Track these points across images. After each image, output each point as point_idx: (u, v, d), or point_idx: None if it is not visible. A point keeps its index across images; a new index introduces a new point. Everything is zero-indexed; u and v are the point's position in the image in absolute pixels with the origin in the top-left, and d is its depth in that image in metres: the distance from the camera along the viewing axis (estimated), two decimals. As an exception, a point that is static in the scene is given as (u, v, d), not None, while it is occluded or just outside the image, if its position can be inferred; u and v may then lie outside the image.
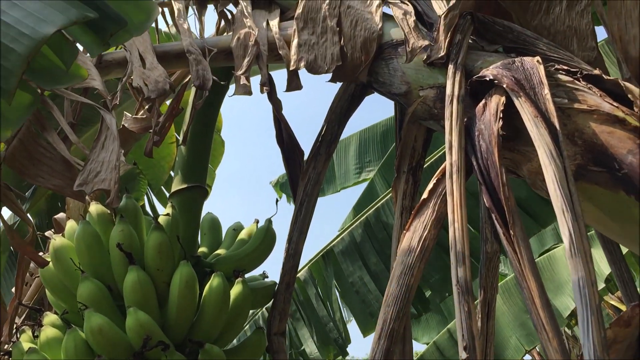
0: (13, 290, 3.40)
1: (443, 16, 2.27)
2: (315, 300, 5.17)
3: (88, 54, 2.53)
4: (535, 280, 1.70)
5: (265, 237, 3.07)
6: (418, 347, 7.46)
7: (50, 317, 2.87)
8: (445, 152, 2.03)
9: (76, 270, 2.72)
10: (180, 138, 3.16)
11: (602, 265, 5.82)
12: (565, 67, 2.03)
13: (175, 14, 3.00)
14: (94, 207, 2.86)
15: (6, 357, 3.08)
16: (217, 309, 2.74)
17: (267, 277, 3.13)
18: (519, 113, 1.90)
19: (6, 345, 3.16)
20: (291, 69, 2.55)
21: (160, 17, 2.94)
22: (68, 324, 2.71)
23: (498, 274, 2.34)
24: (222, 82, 3.01)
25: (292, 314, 5.14)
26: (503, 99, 1.97)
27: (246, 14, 2.78)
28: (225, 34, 3.15)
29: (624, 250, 2.47)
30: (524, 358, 6.00)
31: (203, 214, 3.25)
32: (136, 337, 2.59)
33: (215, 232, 3.27)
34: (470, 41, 2.26)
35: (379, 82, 2.47)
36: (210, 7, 3.18)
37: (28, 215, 4.40)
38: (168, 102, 3.53)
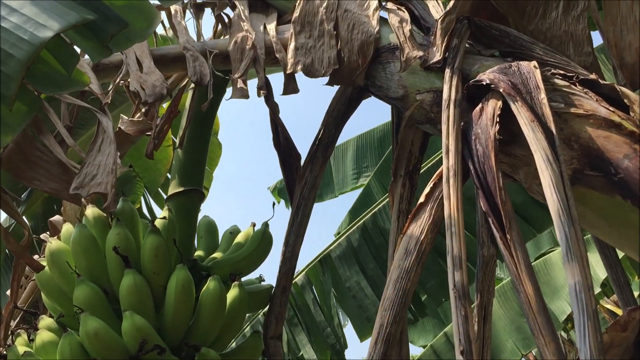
0: (8, 293, 3.38)
1: (440, 20, 2.28)
2: (312, 305, 5.16)
3: (87, 57, 2.53)
4: (531, 285, 1.70)
5: (261, 241, 3.07)
6: (415, 350, 7.47)
7: (46, 321, 2.86)
8: (442, 156, 2.03)
9: (72, 274, 2.72)
10: (177, 141, 3.16)
11: (598, 269, 5.82)
12: (562, 72, 2.03)
13: (172, 15, 3.01)
14: (91, 211, 2.85)
15: (1, 360, 3.06)
16: (214, 312, 2.74)
17: (263, 280, 3.13)
18: (515, 117, 1.91)
19: (1, 349, 3.15)
20: (288, 72, 2.56)
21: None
22: (64, 328, 2.70)
23: (494, 277, 2.34)
24: (218, 85, 3.02)
25: (289, 319, 5.14)
26: (500, 103, 1.97)
27: (243, 17, 2.78)
28: (222, 37, 3.15)
29: (620, 254, 2.47)
30: (520, 362, 6.01)
31: (200, 216, 3.25)
32: (132, 341, 2.59)
33: (212, 235, 3.27)
34: (467, 45, 2.27)
35: (375, 86, 2.47)
36: (208, 11, 3.18)
37: (24, 217, 4.39)
38: (165, 105, 3.53)
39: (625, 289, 2.32)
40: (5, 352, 3.01)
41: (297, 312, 5.18)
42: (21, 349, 2.80)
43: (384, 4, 2.56)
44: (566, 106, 1.94)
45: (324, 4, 2.57)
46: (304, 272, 5.27)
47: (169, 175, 4.08)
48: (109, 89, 2.89)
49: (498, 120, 1.94)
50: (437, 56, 2.25)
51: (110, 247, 2.70)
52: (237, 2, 2.85)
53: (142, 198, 5.24)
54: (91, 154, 2.51)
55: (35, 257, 3.16)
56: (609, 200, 1.80)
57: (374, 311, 4.76)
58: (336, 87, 2.79)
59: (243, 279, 3.00)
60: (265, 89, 2.71)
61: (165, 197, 3.58)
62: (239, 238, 3.16)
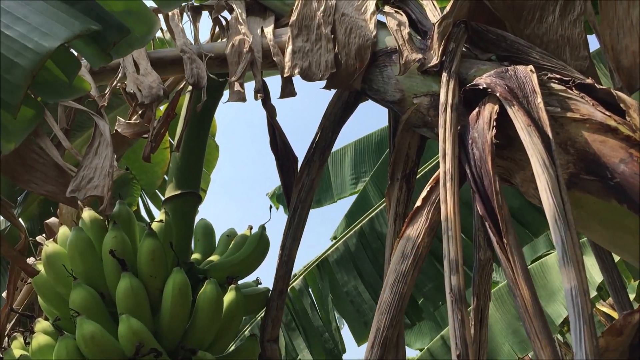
0: (4, 295, 3.38)
1: (437, 24, 2.28)
2: (310, 310, 5.16)
3: (84, 60, 2.53)
4: (528, 288, 1.70)
5: (258, 244, 3.07)
6: (411, 354, 7.46)
7: (42, 324, 2.85)
8: (439, 160, 2.03)
9: (68, 277, 2.71)
10: (175, 143, 3.16)
11: (594, 273, 5.83)
12: (558, 76, 2.04)
13: (169, 17, 3.01)
14: (87, 213, 2.85)
15: (-3, 363, 3.06)
16: (210, 315, 2.73)
17: (260, 283, 3.13)
18: (512, 121, 1.91)
19: (-3, 352, 3.14)
20: (285, 75, 2.56)
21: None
22: (60, 331, 2.69)
23: (491, 281, 2.34)
24: (216, 88, 3.02)
25: (287, 324, 5.15)
26: (496, 107, 1.98)
27: (241, 20, 2.78)
28: (219, 40, 3.16)
29: (616, 258, 2.48)
30: (516, 365, 6.01)
31: (197, 219, 3.25)
32: (128, 344, 2.58)
33: (209, 238, 3.27)
34: (463, 49, 2.27)
35: (372, 90, 2.47)
36: (205, 14, 3.18)
37: (20, 220, 4.38)
38: (162, 107, 3.53)
39: (621, 293, 2.33)
40: (1, 355, 3.00)
41: (295, 317, 5.18)
42: (17, 352, 2.79)
43: (381, 7, 2.57)
44: (562, 110, 1.94)
45: (322, 8, 2.57)
46: (301, 277, 5.27)
47: (167, 177, 4.08)
48: (105, 91, 2.89)
49: (495, 124, 1.95)
50: (434, 60, 2.25)
51: (107, 250, 2.70)
52: (234, 5, 2.85)
53: (140, 200, 5.24)
54: (88, 156, 2.51)
55: (32, 259, 3.15)
56: (605, 204, 1.80)
57: (371, 316, 4.76)
58: (333, 91, 2.79)
59: (240, 281, 3.00)
60: (263, 92, 2.71)
61: (162, 198, 3.58)
62: (236, 241, 3.16)
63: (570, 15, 2.30)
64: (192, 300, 2.79)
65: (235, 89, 2.60)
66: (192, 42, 3.04)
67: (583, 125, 1.89)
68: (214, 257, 3.13)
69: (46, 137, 2.69)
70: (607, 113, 1.89)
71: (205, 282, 2.80)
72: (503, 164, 2.04)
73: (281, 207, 8.13)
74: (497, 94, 1.97)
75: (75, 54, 1.97)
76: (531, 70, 2.01)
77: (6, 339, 3.19)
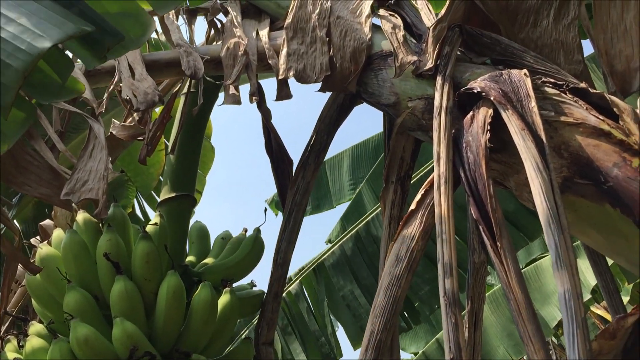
0: (-2, 297, 3.36)
1: (432, 28, 2.29)
2: (306, 314, 5.16)
3: (79, 62, 2.53)
4: (521, 292, 1.70)
5: (253, 247, 3.07)
6: (406, 357, 7.46)
7: (36, 327, 2.85)
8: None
9: (63, 280, 2.71)
10: (170, 146, 3.15)
11: (589, 276, 5.84)
12: (552, 80, 2.04)
13: (165, 17, 3.01)
14: (81, 216, 2.84)
15: (-10, 366, 3.04)
16: (205, 318, 2.73)
17: (255, 286, 3.13)
18: (506, 125, 1.91)
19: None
20: (280, 78, 2.56)
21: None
22: (54, 334, 2.69)
23: (485, 284, 2.35)
24: (211, 91, 3.02)
25: (283, 328, 5.15)
26: (490, 111, 1.98)
27: (236, 23, 2.78)
28: (215, 43, 3.16)
29: (610, 261, 2.48)
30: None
31: (192, 221, 3.25)
32: (122, 348, 2.58)
33: (204, 240, 3.27)
34: (458, 53, 2.28)
35: (367, 93, 2.48)
36: (200, 17, 3.18)
37: (14, 221, 4.36)
38: (157, 110, 3.52)
39: (614, 296, 2.33)
40: (-6, 358, 2.99)
41: (291, 321, 5.18)
42: (11, 355, 2.78)
43: (376, 11, 2.57)
44: (556, 114, 1.95)
45: (317, 11, 2.58)
46: (297, 281, 5.27)
47: (162, 179, 4.07)
48: (103, 97, 2.89)
49: (489, 128, 1.95)
50: (429, 63, 2.26)
51: (101, 253, 2.69)
52: (229, 8, 2.85)
53: (135, 202, 5.24)
54: (82, 159, 2.51)
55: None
56: (598, 208, 1.81)
57: (367, 320, 4.75)
58: (328, 94, 2.79)
59: (235, 284, 3.00)
60: (258, 95, 2.71)
61: (158, 200, 3.57)
62: (231, 244, 3.16)
63: (564, 20, 2.31)
64: (186, 303, 2.79)
65: (230, 92, 2.60)
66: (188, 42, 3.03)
67: (577, 129, 1.90)
68: (208, 260, 3.12)
69: (40, 140, 2.68)
70: (600, 117, 1.90)
71: (199, 284, 2.80)
72: (497, 167, 2.04)
73: (275, 206, 8.13)
74: (491, 98, 1.98)
75: (70, 55, 1.96)
76: (525, 74, 2.02)
77: (0, 342, 3.18)
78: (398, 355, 2.35)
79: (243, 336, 5.30)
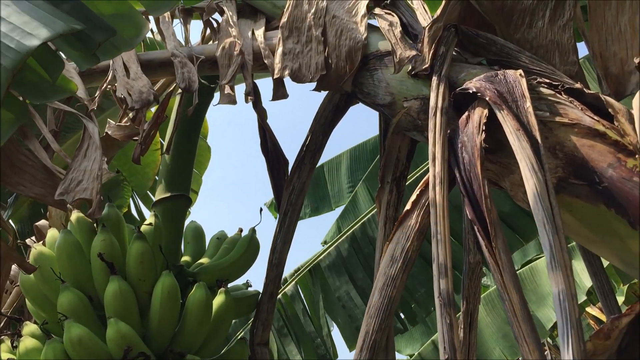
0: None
1: (427, 28, 2.28)
2: (302, 315, 5.16)
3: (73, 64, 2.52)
4: (516, 293, 1.70)
5: (248, 247, 3.06)
6: (402, 359, 7.45)
7: (29, 327, 2.84)
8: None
9: (57, 280, 2.69)
10: (165, 145, 3.15)
11: (584, 277, 5.85)
12: (547, 81, 2.05)
13: (160, 20, 3.00)
14: (76, 216, 2.83)
15: (-16, 367, 3.03)
16: (199, 319, 2.73)
17: (250, 286, 3.12)
18: (501, 126, 1.91)
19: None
20: (275, 77, 2.55)
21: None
22: (48, 334, 2.68)
23: (481, 284, 2.34)
24: (206, 91, 3.01)
25: (279, 329, 5.14)
26: (486, 111, 1.98)
27: (231, 23, 2.78)
28: (210, 42, 3.15)
29: (605, 262, 2.49)
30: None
31: (188, 221, 3.24)
32: (116, 348, 2.57)
33: (199, 240, 3.26)
34: (454, 53, 2.28)
35: (363, 93, 2.47)
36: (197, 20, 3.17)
37: (10, 221, 4.34)
38: (153, 109, 3.52)
39: (609, 297, 2.33)
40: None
41: (287, 322, 5.18)
42: (5, 355, 2.77)
43: (372, 10, 2.57)
44: (551, 115, 1.95)
45: (312, 10, 2.57)
46: (293, 282, 5.27)
47: (158, 178, 4.06)
48: (95, 95, 2.87)
49: (484, 128, 1.95)
50: (425, 63, 2.26)
51: (96, 253, 2.68)
52: (225, 8, 2.85)
53: (131, 201, 5.23)
54: (77, 159, 2.50)
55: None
56: (593, 208, 1.81)
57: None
58: (324, 93, 2.79)
59: (230, 284, 2.99)
60: (253, 95, 2.71)
61: (154, 199, 3.56)
62: (226, 244, 3.15)
63: (559, 21, 2.31)
64: (181, 303, 2.78)
65: (226, 92, 2.60)
66: (183, 44, 3.03)
67: (572, 130, 1.90)
68: (203, 260, 3.12)
69: (35, 139, 2.67)
70: (595, 118, 1.90)
71: (194, 285, 2.79)
72: (492, 167, 2.04)
73: (271, 206, 8.12)
74: (487, 98, 1.98)
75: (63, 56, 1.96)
76: (520, 75, 2.02)
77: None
78: (393, 356, 2.34)
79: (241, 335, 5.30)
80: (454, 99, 2.12)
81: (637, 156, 1.79)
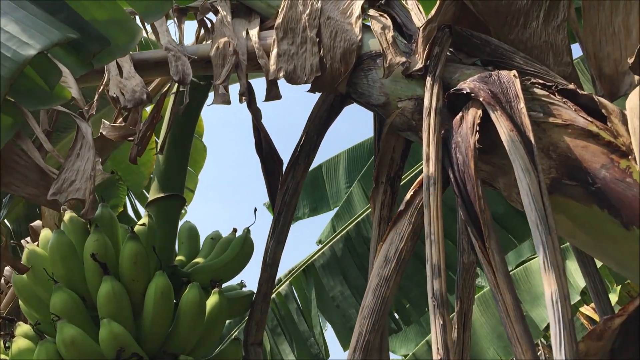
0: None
1: (422, 28, 2.28)
2: (296, 315, 5.17)
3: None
4: (509, 293, 1.70)
5: (243, 247, 3.06)
6: (396, 359, 7.45)
7: (22, 328, 2.83)
8: (424, 165, 2.03)
9: (49, 280, 2.68)
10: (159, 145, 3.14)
11: (578, 278, 5.86)
12: (541, 81, 2.05)
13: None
14: (69, 216, 2.82)
15: (-24, 368, 3.01)
16: (193, 320, 2.72)
17: (244, 286, 3.11)
18: (495, 126, 1.92)
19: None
20: (270, 78, 2.55)
21: (138, 21, 2.93)
22: (41, 335, 2.67)
23: (475, 285, 2.35)
24: (200, 91, 3.00)
25: (273, 329, 5.14)
26: (480, 112, 1.98)
27: (226, 23, 2.77)
28: (204, 42, 3.14)
29: (598, 263, 2.49)
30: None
31: (184, 220, 3.24)
32: (109, 349, 2.56)
33: (193, 241, 3.25)
34: (448, 54, 2.28)
35: (357, 93, 2.47)
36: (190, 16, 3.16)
37: (5, 221, 4.32)
38: (148, 109, 3.51)
39: (602, 297, 2.34)
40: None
41: (281, 322, 5.18)
42: (-3, 356, 2.76)
43: (366, 11, 2.57)
44: (545, 116, 1.95)
45: (307, 11, 2.57)
46: (287, 282, 5.27)
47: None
48: (93, 98, 2.87)
49: (478, 129, 1.95)
50: (419, 64, 2.26)
51: (89, 253, 2.67)
52: (219, 7, 2.84)
53: (127, 200, 5.22)
54: (70, 159, 2.49)
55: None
56: (586, 209, 1.81)
57: (357, 321, 4.76)
58: (318, 93, 2.78)
59: (224, 284, 2.98)
60: (247, 95, 2.70)
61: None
62: (220, 244, 3.15)
63: (554, 21, 2.31)
64: (175, 303, 2.77)
65: (220, 92, 2.59)
66: (177, 43, 3.02)
67: (565, 131, 1.90)
68: (198, 260, 3.11)
69: (28, 139, 2.65)
70: (589, 119, 1.90)
71: (188, 285, 2.78)
72: (486, 168, 2.04)
73: (266, 207, 8.12)
74: (481, 99, 1.98)
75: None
76: (514, 75, 2.02)
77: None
78: (387, 356, 2.34)
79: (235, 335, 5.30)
80: (448, 100, 2.12)
81: (630, 157, 1.79)
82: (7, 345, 2.82)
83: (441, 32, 2.28)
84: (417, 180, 2.13)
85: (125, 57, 2.68)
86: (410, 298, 4.84)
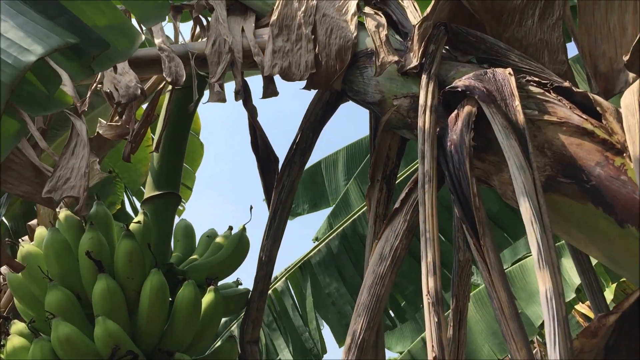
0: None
1: (417, 26, 2.28)
2: (292, 311, 5.18)
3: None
4: (504, 291, 1.70)
5: (238, 245, 3.05)
6: (392, 356, 7.47)
7: (17, 326, 2.82)
8: (419, 162, 2.03)
9: (44, 278, 2.68)
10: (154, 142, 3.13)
11: (573, 275, 5.88)
12: (536, 79, 2.05)
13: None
14: (64, 214, 2.81)
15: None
16: (188, 318, 2.71)
17: (240, 284, 3.11)
18: (490, 124, 1.92)
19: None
20: (265, 75, 2.55)
21: (134, 21, 2.93)
22: (36, 333, 2.66)
23: (470, 282, 2.35)
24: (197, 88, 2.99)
25: (268, 325, 5.15)
26: (475, 109, 1.98)
27: (221, 20, 2.76)
28: (200, 40, 3.14)
29: (594, 260, 2.50)
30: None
31: (182, 217, 3.23)
32: (104, 347, 2.55)
33: (189, 238, 3.25)
34: (443, 51, 2.28)
35: (353, 91, 2.47)
36: (186, 14, 3.15)
37: (3, 219, 4.31)
38: (144, 106, 3.50)
39: (597, 295, 2.34)
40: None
41: (277, 318, 5.19)
42: (-9, 354, 2.75)
43: (362, 9, 2.56)
44: (540, 113, 1.95)
45: (302, 8, 2.57)
46: (283, 278, 5.28)
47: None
48: (87, 95, 2.86)
49: (473, 126, 1.95)
50: (414, 62, 2.25)
51: (83, 251, 2.67)
52: (214, 5, 2.83)
53: (125, 198, 5.22)
54: (64, 157, 2.48)
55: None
56: (581, 207, 1.81)
57: (352, 318, 4.77)
58: (314, 91, 2.78)
59: (220, 282, 2.98)
60: (243, 93, 2.69)
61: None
62: (216, 242, 3.14)
63: (549, 20, 2.31)
64: (170, 301, 2.77)
65: (215, 90, 2.59)
66: (173, 41, 3.01)
67: (560, 128, 1.90)
68: (193, 258, 3.11)
69: (23, 137, 2.65)
70: (583, 116, 1.90)
71: (183, 283, 2.78)
72: (481, 166, 2.04)
73: (263, 205, 8.13)
74: (476, 97, 1.98)
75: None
76: (509, 73, 2.02)
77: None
78: (383, 354, 2.34)
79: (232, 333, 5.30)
80: (443, 97, 2.12)
81: (624, 155, 1.79)
82: (1, 343, 2.81)
83: (437, 30, 2.28)
84: (413, 178, 2.13)
85: (120, 54, 2.67)
86: (405, 295, 4.85)
